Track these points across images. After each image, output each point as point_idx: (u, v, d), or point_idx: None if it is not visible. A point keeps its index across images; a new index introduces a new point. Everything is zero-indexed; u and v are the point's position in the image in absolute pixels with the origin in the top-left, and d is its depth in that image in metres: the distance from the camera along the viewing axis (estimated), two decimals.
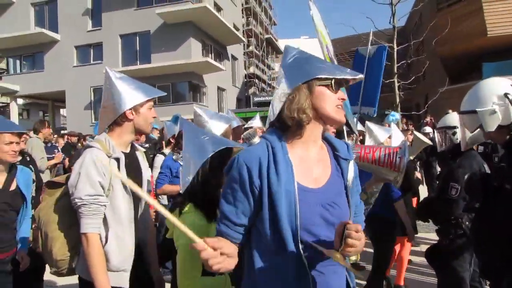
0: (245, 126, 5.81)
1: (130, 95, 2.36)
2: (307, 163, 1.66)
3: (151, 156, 5.83)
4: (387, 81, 13.46)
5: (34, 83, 27.40)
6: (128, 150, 2.48)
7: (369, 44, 5.06)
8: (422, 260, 5.81)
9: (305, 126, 1.64)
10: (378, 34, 15.20)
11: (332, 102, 1.64)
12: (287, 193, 1.54)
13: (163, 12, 24.48)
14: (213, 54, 29.02)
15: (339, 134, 4.67)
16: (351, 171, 1.73)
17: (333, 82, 1.64)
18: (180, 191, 2.17)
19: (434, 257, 3.70)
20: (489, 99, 2.39)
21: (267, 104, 27.84)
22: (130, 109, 2.35)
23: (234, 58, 33.90)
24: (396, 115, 9.47)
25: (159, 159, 5.03)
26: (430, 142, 6.67)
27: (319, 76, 1.62)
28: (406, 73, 18.70)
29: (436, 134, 3.83)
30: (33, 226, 3.20)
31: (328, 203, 1.62)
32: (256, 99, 32.33)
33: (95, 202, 2.17)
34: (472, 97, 2.51)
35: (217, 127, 3.44)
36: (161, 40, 25.66)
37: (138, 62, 26.37)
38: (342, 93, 1.69)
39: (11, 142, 2.92)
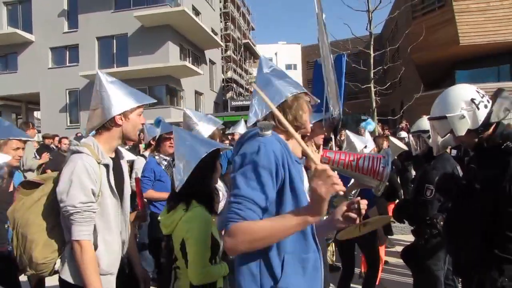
0: (230, 131, 5.87)
1: (121, 100, 2.35)
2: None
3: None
4: (364, 87, 13.70)
5: (7, 84, 26.74)
6: (113, 156, 2.47)
7: (330, 53, 5.15)
8: (398, 261, 5.94)
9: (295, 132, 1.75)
10: (355, 40, 15.48)
11: (308, 117, 1.92)
12: (301, 183, 1.74)
13: (141, 15, 24.30)
14: (191, 58, 28.92)
15: (326, 141, 4.78)
16: (305, 174, 2.06)
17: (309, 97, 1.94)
18: (176, 190, 2.30)
19: (410, 257, 3.79)
20: (458, 105, 2.47)
21: (244, 108, 27.90)
22: (120, 114, 2.34)
23: (212, 62, 33.85)
24: (372, 124, 9.60)
25: (140, 162, 4.98)
26: (405, 148, 6.82)
27: (305, 91, 1.89)
28: (382, 79, 19.03)
29: (410, 138, 3.93)
30: (6, 226, 3.21)
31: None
32: (233, 103, 32.38)
33: (88, 209, 2.18)
34: (441, 104, 2.58)
35: (206, 129, 3.65)
36: (138, 43, 25.46)
37: (115, 65, 26.06)
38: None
39: (17, 148, 3.09)
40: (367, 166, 2.65)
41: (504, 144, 2.40)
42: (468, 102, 2.45)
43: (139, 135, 6.56)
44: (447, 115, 2.52)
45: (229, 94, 38.54)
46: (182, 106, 27.33)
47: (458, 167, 3.67)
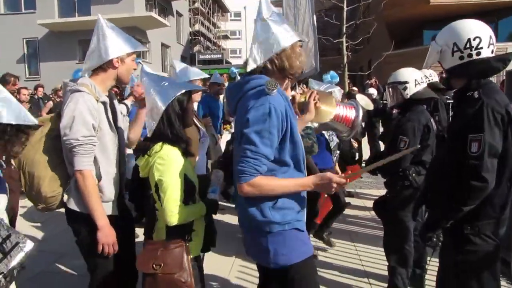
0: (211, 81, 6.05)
1: (119, 45, 2.56)
2: None
3: None
4: (336, 41, 13.57)
5: None
6: (106, 94, 2.64)
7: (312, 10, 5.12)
8: (367, 214, 6.07)
9: (288, 77, 2.14)
10: None
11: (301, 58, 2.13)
12: (299, 138, 2.09)
13: None
14: (157, 9, 27.88)
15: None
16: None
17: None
18: (148, 135, 2.36)
19: (381, 209, 3.82)
20: (456, 38, 2.38)
21: (212, 62, 27.44)
22: (117, 57, 2.54)
23: (179, 14, 32.78)
24: (335, 77, 9.54)
25: (121, 107, 4.89)
26: (371, 108, 6.86)
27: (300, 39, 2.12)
28: (354, 34, 18.93)
29: (387, 89, 3.88)
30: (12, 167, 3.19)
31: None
32: (201, 57, 31.69)
33: (89, 142, 2.38)
34: (448, 29, 2.47)
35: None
36: None
37: (77, 14, 24.79)
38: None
39: None
40: (342, 114, 2.77)
41: (468, 93, 2.37)
42: (466, 40, 2.34)
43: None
44: (438, 42, 2.48)
45: (196, 48, 37.70)
46: (148, 59, 26.54)
47: (432, 120, 3.66)
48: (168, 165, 2.28)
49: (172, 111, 2.35)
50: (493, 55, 2.35)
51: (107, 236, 2.42)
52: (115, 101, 2.79)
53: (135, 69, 2.72)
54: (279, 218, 2.03)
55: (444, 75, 2.77)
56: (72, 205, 2.48)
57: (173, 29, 30.61)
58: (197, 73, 4.23)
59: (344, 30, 13.28)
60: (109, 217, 2.49)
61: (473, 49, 2.33)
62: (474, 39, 2.32)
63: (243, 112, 1.98)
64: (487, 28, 2.36)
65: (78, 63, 22.51)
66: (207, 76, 4.56)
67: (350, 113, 2.81)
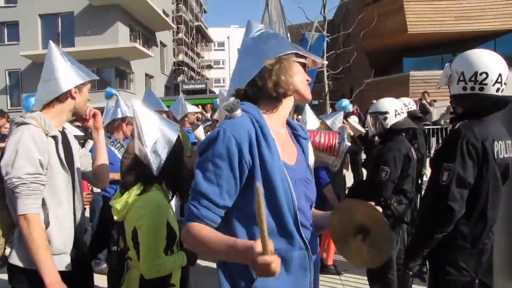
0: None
1: (76, 74, 2.31)
2: (282, 140, 1.60)
3: (81, 141, 5.52)
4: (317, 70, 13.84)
5: None
6: (61, 129, 2.34)
7: (313, 30, 5.20)
8: None
9: (282, 101, 1.59)
10: (309, 24, 15.55)
11: (304, 79, 1.63)
12: (279, 169, 1.46)
13: None
14: (141, 40, 28.10)
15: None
16: (310, 150, 1.75)
17: (306, 61, 1.66)
18: (155, 174, 2.11)
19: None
20: (467, 67, 2.39)
21: (196, 92, 27.50)
22: (76, 87, 2.29)
23: (163, 44, 33.07)
24: (348, 105, 9.54)
25: (90, 145, 4.79)
26: (363, 130, 6.92)
27: (297, 52, 1.61)
28: (334, 63, 19.31)
29: (368, 118, 3.96)
30: None
31: (305, 180, 1.60)
32: (185, 87, 31.77)
33: (35, 181, 2.01)
34: (463, 57, 2.47)
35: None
36: (86, 23, 24.31)
37: (61, 45, 24.77)
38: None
39: None
40: (324, 142, 2.69)
41: (454, 124, 2.46)
42: (473, 72, 2.35)
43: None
44: (452, 66, 2.49)
45: (180, 78, 37.88)
46: (132, 89, 26.58)
47: (412, 149, 3.73)
48: (149, 209, 2.06)
49: (176, 150, 2.18)
50: (498, 93, 2.34)
51: None
52: (70, 137, 2.47)
53: (89, 100, 2.46)
54: None
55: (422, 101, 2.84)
56: (15, 260, 2.07)
57: (157, 60, 30.81)
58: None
59: (325, 60, 13.54)
60: (61, 273, 2.06)
61: (477, 83, 2.33)
62: (481, 74, 2.32)
63: None
64: (500, 66, 2.33)
65: None
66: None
67: (333, 140, 2.73)
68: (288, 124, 1.73)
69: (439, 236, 2.32)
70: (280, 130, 1.63)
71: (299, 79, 1.61)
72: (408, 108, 5.65)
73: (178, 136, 2.22)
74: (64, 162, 2.20)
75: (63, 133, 2.35)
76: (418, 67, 22.06)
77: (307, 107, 4.71)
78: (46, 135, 2.13)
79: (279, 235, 1.46)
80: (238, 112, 1.48)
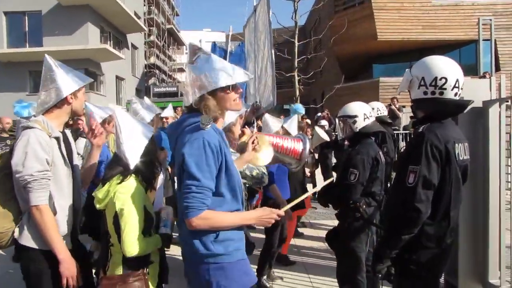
0: (162, 115, 6.18)
1: (71, 81, 2.64)
2: None
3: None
4: (288, 75, 13.94)
5: None
6: (62, 130, 2.69)
7: (230, 38, 5.41)
8: (321, 245, 6.13)
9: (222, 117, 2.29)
10: (281, 30, 15.68)
11: (232, 100, 2.21)
12: (232, 162, 2.18)
13: None
14: (112, 42, 27.69)
15: (248, 124, 4.93)
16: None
17: (231, 87, 2.17)
18: (131, 167, 2.41)
19: (333, 240, 3.89)
20: (427, 72, 2.47)
21: (167, 95, 27.34)
22: (71, 94, 2.62)
23: (134, 47, 32.67)
24: (302, 108, 9.85)
25: (81, 143, 4.74)
26: (327, 139, 7.05)
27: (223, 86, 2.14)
28: (306, 68, 19.51)
29: (337, 122, 4.03)
30: None
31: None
32: (156, 89, 31.53)
33: (44, 177, 2.39)
34: (423, 63, 2.55)
35: (147, 116, 4.37)
36: (54, 23, 23.74)
37: (27, 44, 24.20)
38: (238, 87, 2.23)
39: None
40: (290, 147, 2.88)
41: (417, 127, 2.54)
42: (433, 78, 2.44)
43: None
44: (411, 71, 2.56)
45: (151, 80, 37.52)
46: (102, 91, 26.12)
47: (381, 153, 3.82)
48: (130, 194, 2.32)
49: (150, 148, 2.51)
50: (456, 98, 2.45)
51: (69, 269, 2.42)
52: (69, 136, 2.84)
53: (85, 101, 2.82)
54: (222, 250, 2.09)
55: (391, 107, 2.93)
56: (27, 241, 2.44)
57: (128, 62, 30.40)
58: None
59: (296, 65, 13.66)
60: None
61: (437, 87, 2.43)
62: (440, 79, 2.41)
63: (180, 147, 2.08)
64: (457, 71, 2.45)
65: (29, 94, 21.92)
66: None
67: (297, 146, 2.90)
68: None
69: (406, 237, 2.38)
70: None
71: (229, 104, 2.20)
72: (379, 113, 5.80)
73: (152, 136, 2.57)
74: (66, 159, 2.59)
75: (63, 133, 2.71)
76: (387, 73, 22.52)
77: (266, 114, 4.88)
78: (50, 136, 2.49)
79: (235, 200, 2.19)
80: (210, 126, 2.06)
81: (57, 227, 2.44)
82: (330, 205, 4.19)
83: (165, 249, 2.61)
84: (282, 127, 4.68)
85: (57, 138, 2.55)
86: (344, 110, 3.87)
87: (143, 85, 34.65)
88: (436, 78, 2.43)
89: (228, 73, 2.14)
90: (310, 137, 6.87)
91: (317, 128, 7.48)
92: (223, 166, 2.09)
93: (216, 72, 2.12)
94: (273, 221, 2.21)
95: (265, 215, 2.20)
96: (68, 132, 2.86)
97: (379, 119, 5.12)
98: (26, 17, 24.60)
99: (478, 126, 3.65)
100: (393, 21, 22.05)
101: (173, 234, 2.71)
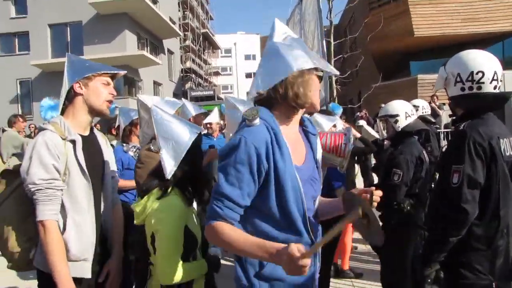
0: (205, 121, 5.93)
1: (78, 70, 2.25)
2: (293, 142, 1.74)
3: None
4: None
5: None
6: (87, 133, 2.32)
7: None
8: (364, 248, 6.01)
9: (298, 110, 1.75)
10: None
11: (318, 94, 1.78)
12: (290, 174, 1.63)
13: (96, 2, 23.42)
14: (149, 48, 28.29)
15: None
16: (319, 145, 1.88)
17: (322, 74, 1.78)
18: (167, 177, 2.07)
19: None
20: (461, 68, 2.42)
21: (204, 98, 27.60)
22: (78, 82, 2.22)
23: (171, 52, 33.25)
24: (339, 107, 9.78)
25: None
26: (377, 135, 6.91)
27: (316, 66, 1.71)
28: (341, 68, 19.29)
29: (378, 122, 3.94)
30: None
31: (311, 179, 1.77)
32: (193, 93, 31.90)
33: (50, 186, 2.02)
34: (457, 59, 2.50)
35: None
36: (94, 32, 24.54)
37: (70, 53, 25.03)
38: None
39: None
40: (330, 144, 2.72)
41: (457, 125, 2.43)
42: (469, 73, 2.37)
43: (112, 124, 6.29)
44: (446, 69, 2.50)
45: (188, 85, 38.06)
46: None
47: (424, 152, 3.70)
48: (167, 213, 2.04)
49: (191, 153, 2.12)
50: (496, 91, 2.37)
51: None
52: (102, 141, 2.45)
53: (112, 95, 2.35)
54: None
55: (431, 105, 2.85)
56: (37, 264, 2.14)
57: (164, 67, 30.96)
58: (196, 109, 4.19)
59: (332, 64, 13.54)
60: (78, 280, 2.10)
61: (475, 82, 2.36)
62: (477, 73, 2.35)
63: None
64: (494, 64, 2.38)
65: None
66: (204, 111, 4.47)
67: (338, 140, 2.76)
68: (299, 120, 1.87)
69: (454, 240, 2.29)
70: (292, 132, 1.78)
71: (316, 94, 1.76)
72: (424, 111, 5.64)
73: (196, 139, 2.17)
74: (84, 167, 2.16)
75: (89, 137, 2.33)
76: (426, 70, 21.92)
77: (316, 114, 4.71)
78: (64, 139, 2.12)
79: (288, 233, 1.66)
80: (257, 121, 1.63)
81: (62, 249, 2.04)
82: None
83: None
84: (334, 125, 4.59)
85: (72, 142, 2.15)
86: (385, 109, 3.78)
87: (180, 90, 35.21)
88: (472, 72, 2.36)
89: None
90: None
91: (365, 126, 7.36)
92: (270, 177, 1.61)
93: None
94: (306, 271, 1.42)
95: (299, 263, 1.40)
96: (100, 135, 2.48)
97: (422, 118, 4.98)
98: (68, 28, 25.54)
99: None
100: (430, 16, 21.45)
101: None
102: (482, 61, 2.38)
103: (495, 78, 2.35)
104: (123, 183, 4.01)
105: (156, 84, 29.76)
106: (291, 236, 1.65)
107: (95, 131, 2.45)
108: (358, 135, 6.79)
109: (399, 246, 3.50)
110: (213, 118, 6.23)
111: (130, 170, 4.02)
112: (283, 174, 1.61)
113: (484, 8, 21.21)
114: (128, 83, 25.40)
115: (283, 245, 1.46)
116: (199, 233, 2.17)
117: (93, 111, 2.30)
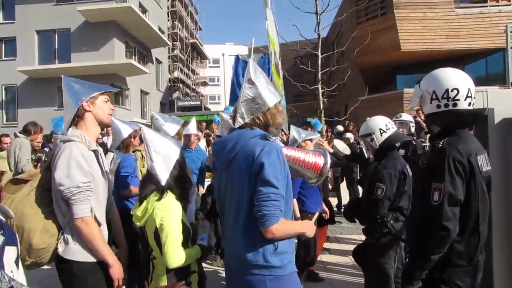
0: (184, 133, 5.83)
1: (85, 90, 2.66)
2: None
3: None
4: (311, 88, 13.91)
5: None
6: (96, 143, 2.75)
7: (252, 52, 5.53)
8: (348, 261, 6.04)
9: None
10: (304, 42, 15.69)
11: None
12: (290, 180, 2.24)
13: (85, 9, 23.47)
14: (137, 57, 28.25)
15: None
16: None
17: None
18: (162, 184, 2.49)
19: (361, 256, 3.83)
20: (436, 86, 2.48)
21: (191, 108, 27.61)
22: (87, 101, 2.62)
23: (159, 61, 33.24)
24: (320, 124, 9.93)
25: (109, 156, 4.87)
26: (348, 152, 6.99)
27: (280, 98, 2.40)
28: (329, 81, 19.46)
29: (361, 142, 4.02)
30: None
31: None
32: (180, 103, 31.87)
33: (88, 188, 2.43)
34: (430, 77, 2.57)
35: (172, 129, 4.17)
36: (82, 39, 24.51)
37: (57, 61, 24.94)
38: None
39: None
40: (312, 162, 2.85)
41: (436, 142, 2.47)
42: (444, 90, 2.43)
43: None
44: (421, 87, 2.56)
45: (175, 94, 37.99)
46: (127, 105, 26.59)
47: (408, 166, 3.76)
48: (169, 210, 2.44)
49: (179, 162, 2.61)
50: (470, 107, 2.43)
51: (120, 272, 2.53)
52: (101, 150, 2.82)
53: (112, 109, 2.80)
54: (279, 262, 2.13)
55: (416, 119, 2.91)
56: (71, 256, 2.46)
57: (152, 76, 30.92)
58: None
59: (319, 77, 13.64)
60: (101, 263, 2.52)
61: (450, 99, 2.41)
62: (452, 90, 2.40)
63: (251, 157, 2.12)
64: (467, 81, 2.44)
65: (57, 109, 22.51)
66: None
67: (319, 160, 2.88)
68: None
69: (436, 257, 2.32)
70: None
71: (282, 119, 2.37)
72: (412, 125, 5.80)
73: (181, 151, 2.68)
74: (105, 172, 2.64)
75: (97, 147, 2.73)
76: (412, 84, 21.96)
77: (292, 126, 4.90)
78: (89, 149, 2.53)
79: (289, 208, 2.24)
80: (276, 138, 2.19)
81: (103, 236, 2.51)
82: (357, 220, 4.13)
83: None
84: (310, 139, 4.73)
85: (94, 151, 2.59)
86: (361, 129, 3.87)
87: (167, 99, 35.13)
88: (447, 90, 2.42)
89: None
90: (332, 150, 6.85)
91: (336, 141, 7.44)
92: (287, 175, 2.18)
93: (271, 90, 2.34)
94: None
95: (311, 226, 2.35)
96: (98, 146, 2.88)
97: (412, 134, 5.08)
98: (56, 35, 25.43)
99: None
100: (416, 31, 21.81)
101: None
102: (457, 79, 2.44)
103: (469, 95, 2.41)
104: (136, 189, 4.14)
105: (143, 93, 29.67)
106: (289, 212, 2.25)
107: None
108: (331, 150, 6.90)
109: (381, 259, 3.54)
110: (191, 129, 6.03)
111: (137, 178, 4.31)
112: (290, 175, 2.24)
113: (467, 25, 21.64)
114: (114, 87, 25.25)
115: (307, 220, 2.46)
116: (189, 226, 2.60)
117: (101, 124, 2.75)
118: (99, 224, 2.51)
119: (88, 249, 2.46)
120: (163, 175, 2.50)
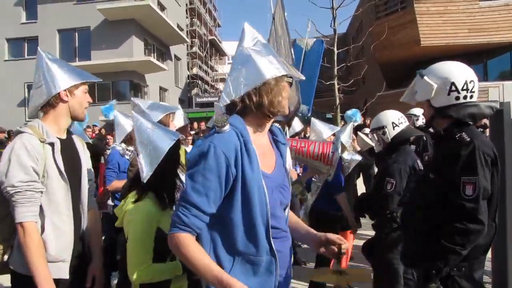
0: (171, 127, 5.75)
1: (65, 77, 2.29)
2: (263, 150, 1.74)
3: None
4: (328, 83, 13.81)
5: None
6: (64, 137, 2.36)
7: (307, 34, 5.26)
8: (358, 255, 5.97)
9: (271, 118, 1.76)
10: (320, 38, 15.60)
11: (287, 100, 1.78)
12: (257, 181, 1.62)
13: (105, 8, 23.75)
14: (155, 54, 28.48)
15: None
16: (288, 154, 1.89)
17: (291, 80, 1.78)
18: (144, 181, 2.14)
19: (370, 251, 3.80)
20: (439, 76, 2.46)
21: (210, 105, 27.66)
22: (65, 90, 2.27)
23: (177, 58, 33.43)
24: (358, 115, 9.58)
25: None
26: (372, 144, 6.88)
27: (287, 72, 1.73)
28: (346, 77, 19.30)
29: (371, 136, 3.96)
30: None
31: (281, 187, 1.76)
32: (198, 100, 32.00)
33: (29, 188, 2.05)
34: (434, 69, 2.55)
35: (153, 117, 3.37)
36: (102, 37, 24.84)
37: (77, 58, 25.32)
38: None
39: None
40: (317, 152, 2.71)
41: (458, 135, 2.39)
42: (448, 81, 2.40)
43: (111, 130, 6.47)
44: (425, 76, 2.52)
45: (194, 91, 38.17)
46: None
47: (419, 161, 3.70)
48: (138, 216, 2.12)
49: (168, 159, 2.19)
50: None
51: None
52: (79, 145, 2.49)
53: (89, 102, 2.44)
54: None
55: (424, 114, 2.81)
56: (14, 265, 2.15)
57: (171, 73, 31.13)
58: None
59: (336, 73, 13.53)
60: (57, 280, 2.12)
61: (469, 91, 2.37)
62: (470, 82, 2.37)
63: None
64: (473, 73, 2.43)
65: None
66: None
67: (325, 150, 2.77)
68: (269, 130, 1.87)
69: (465, 252, 2.24)
70: (262, 140, 1.79)
71: (286, 100, 1.77)
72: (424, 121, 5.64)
73: (175, 146, 2.24)
74: (62, 169, 2.20)
75: (67, 140, 2.36)
76: None
77: (313, 119, 4.69)
78: (43, 142, 2.14)
79: (249, 241, 1.64)
80: (227, 127, 1.62)
81: (42, 251, 2.07)
82: (367, 215, 4.10)
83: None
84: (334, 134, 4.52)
85: (51, 144, 2.18)
86: (373, 122, 3.81)
87: (186, 96, 35.33)
88: (466, 81, 2.38)
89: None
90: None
91: (360, 134, 7.34)
92: (237, 184, 1.61)
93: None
94: None
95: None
96: (77, 139, 2.51)
97: (419, 128, 4.98)
98: (77, 34, 25.87)
99: None
100: (437, 26, 21.39)
101: None
102: (469, 71, 2.42)
103: (478, 88, 2.41)
104: (119, 184, 4.12)
105: (162, 89, 29.91)
106: (251, 247, 1.65)
107: (73, 135, 2.52)
108: (358, 148, 6.78)
109: (391, 255, 3.50)
110: (177, 122, 5.80)
111: (125, 173, 4.13)
112: (250, 182, 1.61)
113: (491, 18, 21.13)
114: (134, 88, 25.59)
115: (235, 280, 1.51)
116: None
117: (74, 117, 2.39)
118: (42, 232, 2.10)
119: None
120: (146, 171, 2.12)
